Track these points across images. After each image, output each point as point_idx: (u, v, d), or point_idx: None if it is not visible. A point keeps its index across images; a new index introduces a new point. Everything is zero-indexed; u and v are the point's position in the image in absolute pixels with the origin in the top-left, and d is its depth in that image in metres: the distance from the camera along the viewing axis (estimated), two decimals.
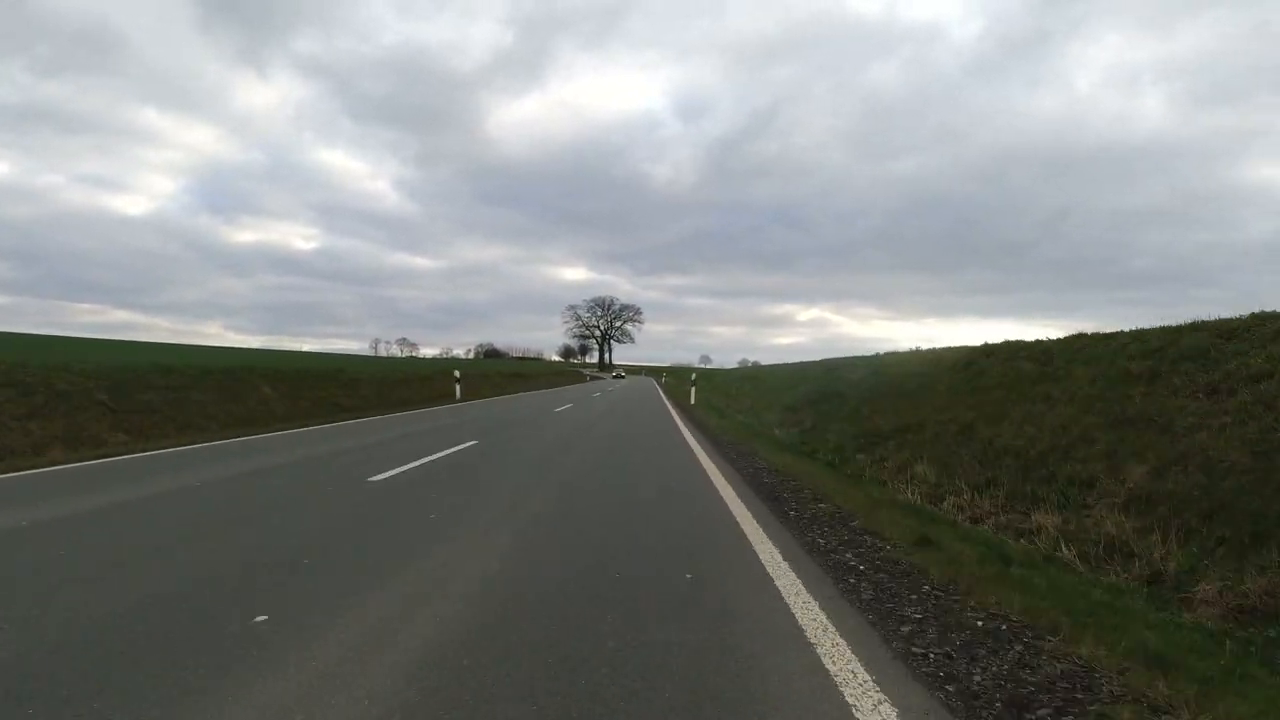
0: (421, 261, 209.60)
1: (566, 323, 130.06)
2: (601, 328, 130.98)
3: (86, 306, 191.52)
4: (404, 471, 7.31)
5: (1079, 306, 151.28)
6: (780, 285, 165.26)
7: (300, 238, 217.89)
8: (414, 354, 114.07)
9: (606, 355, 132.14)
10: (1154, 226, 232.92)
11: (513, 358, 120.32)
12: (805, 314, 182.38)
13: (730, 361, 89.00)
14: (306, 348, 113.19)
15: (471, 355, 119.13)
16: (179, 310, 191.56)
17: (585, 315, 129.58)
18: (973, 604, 3.42)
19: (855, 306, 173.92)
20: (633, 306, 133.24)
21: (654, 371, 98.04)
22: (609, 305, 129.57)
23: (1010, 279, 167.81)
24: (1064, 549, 4.98)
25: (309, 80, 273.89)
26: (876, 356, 20.91)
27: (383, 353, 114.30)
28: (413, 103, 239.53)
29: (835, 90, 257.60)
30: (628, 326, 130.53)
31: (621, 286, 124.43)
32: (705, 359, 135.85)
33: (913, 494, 7.19)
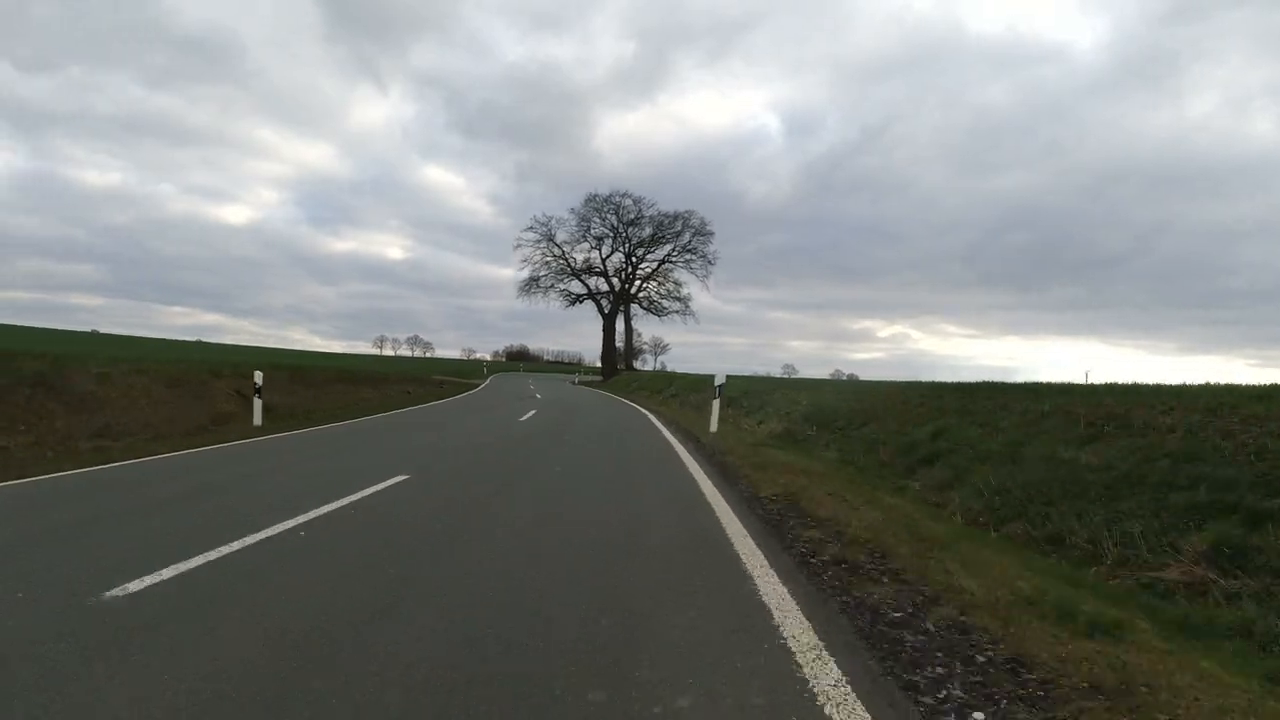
0: (507, 272, 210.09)
1: (524, 264, 60.75)
2: (610, 274, 53.19)
3: (178, 309, 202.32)
4: None
5: (1165, 326, 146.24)
6: (861, 299, 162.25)
7: (399, 248, 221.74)
8: (428, 354, 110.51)
9: (624, 349, 54.66)
10: (1252, 243, 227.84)
11: (546, 361, 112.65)
12: (886, 330, 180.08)
13: (821, 374, 68.67)
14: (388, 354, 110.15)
15: (501, 357, 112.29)
16: (266, 314, 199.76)
17: (569, 241, 52.97)
18: None
19: (936, 323, 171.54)
20: (689, 216, 52.26)
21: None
22: (631, 217, 51.37)
23: (1094, 295, 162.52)
24: None
25: (422, 95, 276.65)
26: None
27: (389, 352, 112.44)
28: (522, 118, 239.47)
29: (945, 106, 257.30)
30: (678, 273, 53.34)
31: (701, 299, 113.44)
32: (789, 369, 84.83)
33: None
